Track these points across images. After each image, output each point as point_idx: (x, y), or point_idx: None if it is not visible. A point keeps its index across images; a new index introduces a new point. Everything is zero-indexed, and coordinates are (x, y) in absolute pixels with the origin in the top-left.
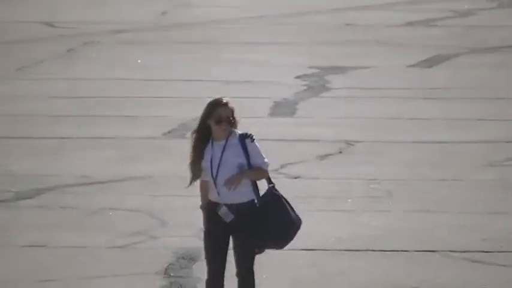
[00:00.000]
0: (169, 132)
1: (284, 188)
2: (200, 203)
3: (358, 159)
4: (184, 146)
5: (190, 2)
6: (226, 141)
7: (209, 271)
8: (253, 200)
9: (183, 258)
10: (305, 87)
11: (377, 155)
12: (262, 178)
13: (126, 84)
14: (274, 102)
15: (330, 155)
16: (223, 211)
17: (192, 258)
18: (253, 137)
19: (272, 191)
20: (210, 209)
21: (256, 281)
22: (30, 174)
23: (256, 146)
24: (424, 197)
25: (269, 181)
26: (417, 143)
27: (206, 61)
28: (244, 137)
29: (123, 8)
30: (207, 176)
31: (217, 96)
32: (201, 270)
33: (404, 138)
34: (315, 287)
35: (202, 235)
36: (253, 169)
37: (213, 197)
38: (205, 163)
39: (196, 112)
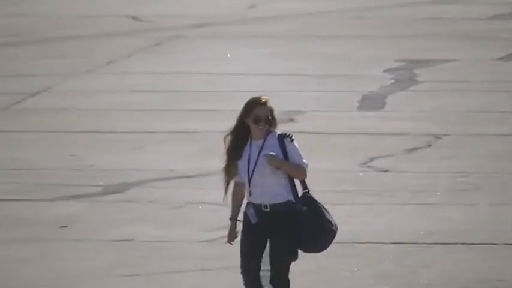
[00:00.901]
0: None
1: (372, 181)
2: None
3: (446, 153)
4: None
5: None
6: (264, 140)
7: (245, 274)
8: (289, 201)
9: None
10: (392, 81)
11: (464, 148)
12: (300, 176)
13: (211, 78)
14: (362, 95)
15: (418, 148)
16: (250, 212)
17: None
18: (292, 137)
19: (307, 195)
20: (246, 211)
21: (347, 274)
22: (117, 168)
23: (295, 146)
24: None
25: (304, 186)
26: (504, 136)
27: (291, 55)
28: (283, 137)
29: (209, 2)
30: (242, 176)
31: (307, 89)
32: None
33: (492, 131)
34: (402, 280)
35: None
36: (293, 165)
37: (247, 197)
38: (242, 162)
39: (281, 106)
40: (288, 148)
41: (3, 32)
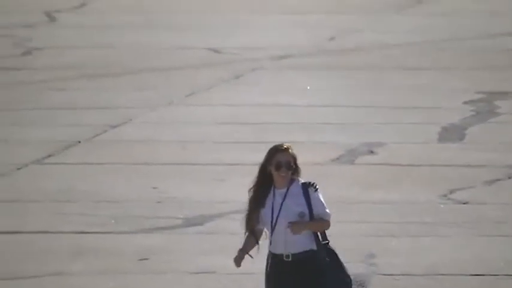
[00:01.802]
0: (337, 158)
1: (452, 213)
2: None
3: None
4: (353, 172)
5: (358, 27)
6: (288, 189)
7: None
8: (311, 250)
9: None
10: (473, 113)
11: None
12: (324, 229)
13: (292, 110)
14: (442, 127)
15: (498, 180)
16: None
17: (361, 284)
18: (317, 186)
19: (327, 246)
20: (271, 259)
21: None
22: (198, 200)
23: (319, 196)
24: None
25: (324, 237)
26: None
27: (371, 86)
28: (307, 186)
29: (289, 34)
30: (265, 224)
31: (390, 121)
32: None
33: None
34: None
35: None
36: (317, 220)
37: (271, 247)
38: (265, 210)
39: (361, 138)
40: (312, 197)
41: (92, 64)
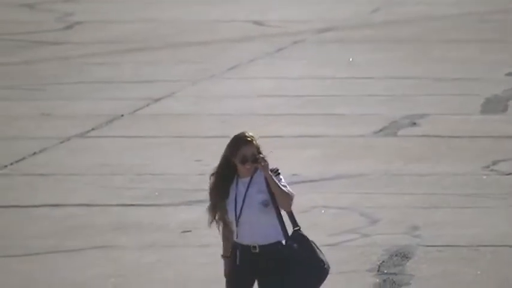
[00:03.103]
0: (380, 130)
1: (495, 184)
2: (222, 251)
3: None
4: (396, 144)
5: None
6: (251, 178)
7: None
8: (279, 242)
9: (396, 255)
10: None
11: None
12: (286, 202)
13: (335, 82)
14: (485, 99)
15: None
16: (237, 253)
17: (405, 256)
18: (278, 171)
19: (298, 232)
20: (233, 251)
21: (470, 278)
22: None
23: (281, 179)
24: None
25: (294, 223)
26: None
27: (414, 59)
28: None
29: (332, 6)
30: (229, 215)
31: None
32: (414, 267)
33: None
34: None
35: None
36: (282, 189)
37: (235, 237)
38: (229, 201)
39: (404, 110)
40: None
41: (134, 38)
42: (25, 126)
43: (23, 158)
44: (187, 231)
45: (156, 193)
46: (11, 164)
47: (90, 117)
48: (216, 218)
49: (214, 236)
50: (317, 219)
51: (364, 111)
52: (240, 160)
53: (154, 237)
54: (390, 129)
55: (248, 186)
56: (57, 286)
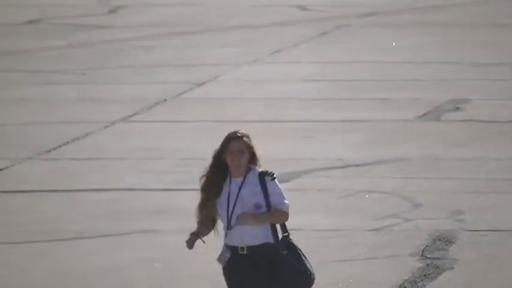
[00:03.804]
0: (423, 114)
1: None
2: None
3: None
4: (439, 129)
5: None
6: (244, 178)
7: None
8: (267, 243)
9: (439, 239)
10: None
11: None
12: (280, 221)
13: (378, 67)
14: None
15: None
16: (225, 255)
17: (448, 240)
18: (274, 175)
19: (287, 239)
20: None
21: None
22: (285, 157)
23: (277, 185)
24: None
25: (284, 229)
26: None
27: (458, 43)
28: (264, 175)
29: None
30: (220, 215)
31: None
32: (457, 252)
33: None
34: None
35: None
36: (271, 212)
37: (224, 239)
38: (220, 199)
39: (447, 94)
40: (269, 186)
41: (178, 21)
42: (70, 110)
43: (68, 143)
44: None
45: (198, 177)
46: (56, 148)
47: (134, 102)
48: (203, 217)
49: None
50: (361, 204)
51: (408, 95)
52: (228, 155)
53: (195, 222)
54: (433, 114)
55: (241, 187)
56: (101, 270)
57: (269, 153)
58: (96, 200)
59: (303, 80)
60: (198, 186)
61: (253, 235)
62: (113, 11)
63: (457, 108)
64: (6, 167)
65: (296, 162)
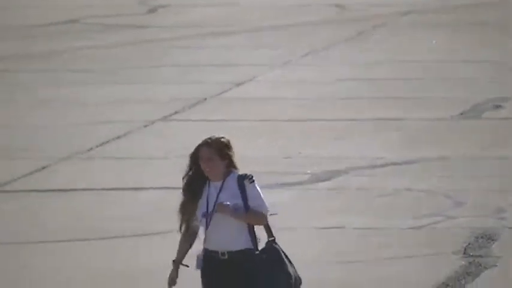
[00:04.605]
0: (461, 113)
1: None
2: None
3: None
4: (479, 127)
5: None
6: (223, 182)
7: None
8: (249, 249)
9: (482, 237)
10: None
11: None
12: (259, 222)
13: (416, 66)
14: None
15: None
16: (198, 257)
17: (490, 238)
18: (252, 178)
19: (271, 244)
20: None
21: None
22: (324, 156)
23: (256, 188)
24: None
25: (269, 233)
26: None
27: (496, 42)
28: (243, 178)
29: None
30: (199, 218)
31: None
32: (500, 249)
33: None
34: None
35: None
36: (249, 212)
37: (203, 242)
38: (201, 203)
39: (487, 93)
40: (248, 190)
41: (215, 22)
42: (110, 110)
43: (108, 141)
44: (274, 214)
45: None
46: (96, 147)
47: (174, 101)
48: (184, 219)
49: (299, 218)
50: (402, 202)
51: (447, 94)
52: (200, 161)
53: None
54: (473, 112)
55: (220, 190)
56: (137, 269)
57: (308, 152)
58: (134, 199)
59: (338, 79)
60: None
61: (233, 240)
62: (152, 10)
63: (498, 107)
64: (47, 166)
65: (335, 161)
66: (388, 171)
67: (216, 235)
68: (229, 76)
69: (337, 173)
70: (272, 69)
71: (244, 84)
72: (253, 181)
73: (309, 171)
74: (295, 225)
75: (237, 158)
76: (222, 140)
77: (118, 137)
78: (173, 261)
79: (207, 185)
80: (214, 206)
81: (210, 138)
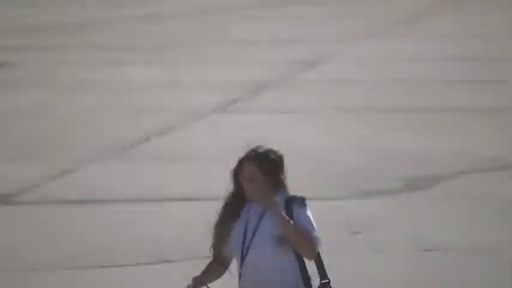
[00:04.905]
0: None
1: None
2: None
3: None
4: None
5: None
6: None
7: None
8: None
9: None
10: None
11: None
12: (305, 247)
13: None
14: None
15: None
16: None
17: None
18: (304, 202)
19: (326, 287)
20: None
21: None
22: (424, 155)
23: (307, 214)
24: None
25: (322, 273)
26: None
27: None
28: (292, 202)
29: None
30: (234, 247)
31: None
32: None
33: None
34: None
35: None
36: (299, 228)
37: (241, 282)
38: (236, 230)
39: None
40: (296, 215)
41: None
42: (150, 96)
43: (149, 138)
44: (357, 232)
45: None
46: (134, 145)
47: (232, 86)
48: (213, 244)
49: (388, 237)
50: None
51: None
52: (241, 178)
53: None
54: None
55: (262, 216)
56: None
57: (403, 149)
58: (185, 211)
59: (436, 57)
60: (316, 192)
61: (276, 279)
62: None
63: None
64: (74, 170)
65: (439, 161)
66: (508, 175)
67: (254, 273)
68: (301, 54)
69: (441, 178)
70: (354, 46)
71: (320, 64)
72: (305, 205)
73: (401, 176)
74: (383, 246)
75: (287, 176)
76: (271, 155)
77: (161, 133)
78: (194, 277)
79: (248, 208)
80: (253, 235)
81: (255, 151)
